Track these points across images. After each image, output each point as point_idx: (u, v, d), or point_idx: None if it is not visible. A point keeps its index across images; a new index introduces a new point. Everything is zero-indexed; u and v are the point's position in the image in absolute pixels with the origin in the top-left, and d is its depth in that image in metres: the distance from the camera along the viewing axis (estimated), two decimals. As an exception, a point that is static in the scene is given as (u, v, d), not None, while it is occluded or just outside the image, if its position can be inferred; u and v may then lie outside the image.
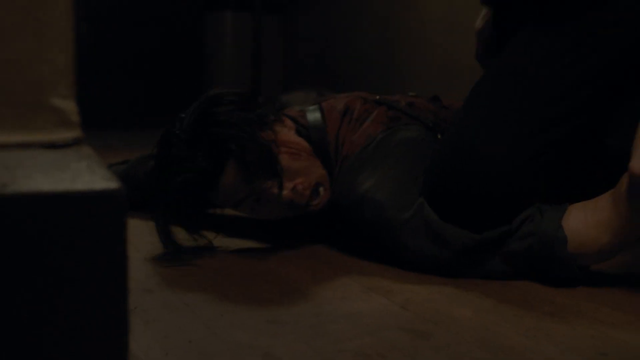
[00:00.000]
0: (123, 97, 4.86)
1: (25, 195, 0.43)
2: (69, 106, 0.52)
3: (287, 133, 1.28)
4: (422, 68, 3.10)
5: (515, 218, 1.09)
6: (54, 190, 0.44)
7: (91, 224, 0.45)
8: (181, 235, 1.24)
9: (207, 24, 4.82)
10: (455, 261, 1.10)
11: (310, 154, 1.28)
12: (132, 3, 4.89)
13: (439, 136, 1.30)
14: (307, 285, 1.09)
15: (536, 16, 1.19)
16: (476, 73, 1.32)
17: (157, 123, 1.72)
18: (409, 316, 0.95)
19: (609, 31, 1.12)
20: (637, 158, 0.95)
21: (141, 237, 1.33)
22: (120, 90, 4.87)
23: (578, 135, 1.13)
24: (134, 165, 1.59)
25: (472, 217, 1.10)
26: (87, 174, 0.47)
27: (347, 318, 0.94)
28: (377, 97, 1.39)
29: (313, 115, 1.36)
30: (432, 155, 1.18)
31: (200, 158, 1.18)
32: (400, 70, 3.27)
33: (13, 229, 0.43)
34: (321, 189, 1.27)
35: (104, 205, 0.45)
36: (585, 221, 1.05)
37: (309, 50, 4.39)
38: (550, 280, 1.08)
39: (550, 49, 1.14)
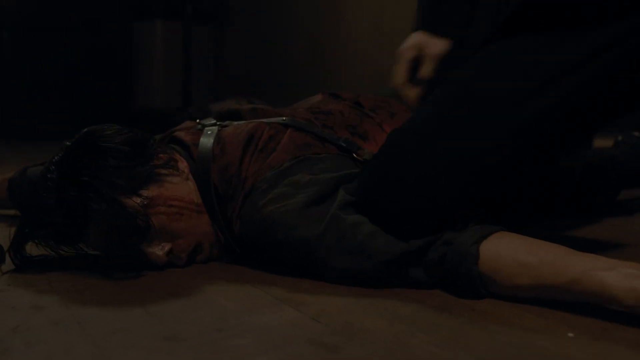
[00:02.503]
0: (50, 108, 4.68)
1: None
2: None
3: (172, 187, 1.15)
4: (350, 76, 3.06)
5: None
6: None
7: None
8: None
9: (136, 33, 4.70)
10: (379, 272, 1.03)
11: (195, 210, 1.17)
12: (58, 10, 4.73)
13: (355, 155, 1.22)
14: (214, 298, 1.02)
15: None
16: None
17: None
18: (320, 329, 0.88)
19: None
20: None
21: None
22: (47, 101, 4.70)
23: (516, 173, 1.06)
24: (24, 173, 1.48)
25: (403, 229, 1.03)
26: None
27: (252, 332, 0.87)
28: (293, 110, 1.33)
29: (205, 142, 1.22)
30: (360, 176, 1.10)
31: (62, 213, 1.07)
32: (327, 78, 3.23)
33: None
34: (205, 246, 1.20)
35: None
36: (515, 253, 0.95)
37: (238, 60, 4.32)
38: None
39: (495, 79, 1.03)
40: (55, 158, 1.12)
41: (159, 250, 1.13)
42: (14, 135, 4.30)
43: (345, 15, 3.22)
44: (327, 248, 1.04)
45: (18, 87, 4.61)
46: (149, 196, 1.11)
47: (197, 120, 1.34)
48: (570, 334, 0.85)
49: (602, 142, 1.84)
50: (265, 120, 1.26)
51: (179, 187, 1.16)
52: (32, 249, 1.16)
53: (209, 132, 1.26)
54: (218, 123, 1.29)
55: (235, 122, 1.29)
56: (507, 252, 0.96)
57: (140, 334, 0.85)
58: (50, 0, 4.70)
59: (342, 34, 3.26)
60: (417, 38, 1.31)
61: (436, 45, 1.30)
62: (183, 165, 1.20)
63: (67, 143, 1.14)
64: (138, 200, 1.10)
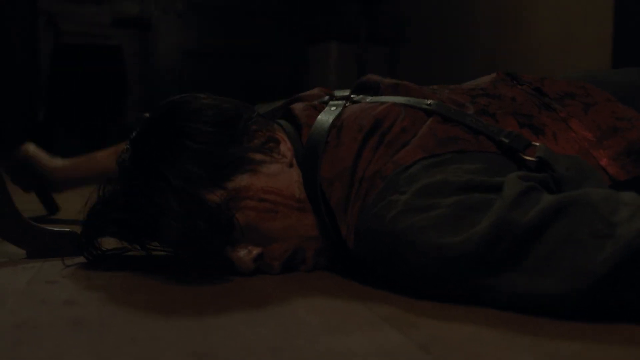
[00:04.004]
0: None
1: None
2: None
3: (267, 175, 0.89)
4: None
5: None
6: None
7: None
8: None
9: (312, 57, 4.65)
10: (588, 296, 0.68)
11: (295, 207, 0.90)
12: (236, 40, 4.81)
13: (522, 155, 0.85)
14: (291, 310, 0.75)
15: None
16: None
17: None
18: (425, 362, 0.58)
19: None
20: None
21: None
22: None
23: None
24: None
25: None
26: None
27: (333, 356, 0.58)
28: (448, 89, 0.99)
29: (321, 123, 0.93)
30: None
31: (127, 206, 0.86)
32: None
33: None
34: (308, 254, 0.92)
35: None
36: None
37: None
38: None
39: None
40: (133, 135, 0.92)
41: (245, 255, 0.87)
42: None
43: (527, 32, 2.87)
44: (494, 267, 0.72)
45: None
46: (235, 187, 0.86)
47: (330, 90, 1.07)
48: None
49: None
50: (402, 101, 0.92)
51: (277, 176, 0.90)
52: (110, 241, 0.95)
53: (332, 108, 0.96)
54: (351, 96, 1.00)
55: (369, 99, 0.97)
56: None
57: (164, 346, 0.61)
58: (231, 29, 4.79)
59: (523, 51, 2.92)
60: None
61: None
62: (286, 147, 0.93)
63: (147, 115, 0.93)
64: (220, 192, 0.85)
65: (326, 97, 1.03)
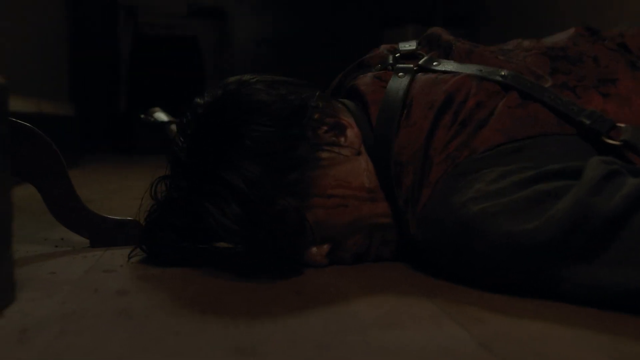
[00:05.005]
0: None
1: None
2: None
3: (335, 168, 0.83)
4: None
5: None
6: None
7: None
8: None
9: (386, 40, 4.58)
10: None
11: (366, 198, 0.84)
12: (311, 27, 4.79)
13: (605, 138, 0.77)
14: (346, 301, 0.71)
15: None
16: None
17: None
18: (484, 361, 0.53)
19: None
20: None
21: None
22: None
23: None
24: None
25: None
26: None
27: (372, 355, 0.54)
28: (524, 51, 0.90)
29: (391, 99, 0.85)
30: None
31: (182, 211, 0.82)
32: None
33: None
34: (375, 242, 0.87)
35: None
36: None
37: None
38: None
39: None
40: (185, 123, 0.85)
41: (316, 253, 0.83)
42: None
43: (618, 5, 2.72)
44: (571, 257, 0.66)
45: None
46: (302, 188, 0.79)
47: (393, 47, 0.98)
48: None
49: None
50: (475, 72, 0.84)
51: (345, 166, 0.84)
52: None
53: (400, 75, 0.88)
54: (418, 64, 0.90)
55: (441, 66, 0.88)
56: None
57: (206, 340, 0.58)
58: (305, 16, 4.77)
59: (613, 27, 2.76)
60: None
61: None
62: (353, 134, 0.86)
63: (199, 101, 0.85)
64: (286, 195, 0.78)
65: (390, 58, 0.94)
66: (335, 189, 0.82)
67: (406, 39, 1.00)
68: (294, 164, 0.79)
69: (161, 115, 1.48)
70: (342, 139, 0.85)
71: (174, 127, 1.32)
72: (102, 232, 1.01)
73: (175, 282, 0.79)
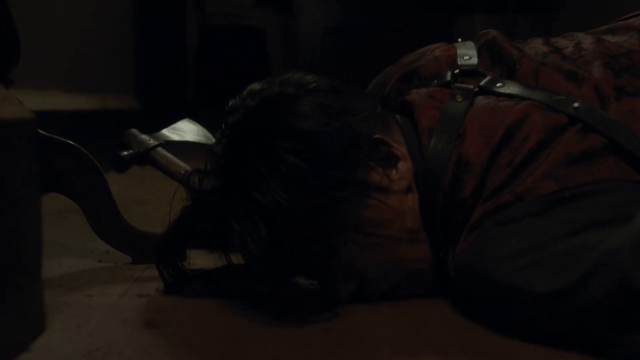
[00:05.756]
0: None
1: None
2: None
3: (378, 206, 0.76)
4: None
5: None
6: None
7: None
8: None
9: (455, 29, 4.47)
10: None
11: (405, 239, 0.77)
12: (379, 16, 4.72)
13: None
14: (371, 335, 0.67)
15: None
16: None
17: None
18: None
19: None
20: None
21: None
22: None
23: None
24: None
25: None
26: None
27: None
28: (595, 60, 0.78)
29: (445, 130, 0.77)
30: None
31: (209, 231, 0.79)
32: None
33: None
34: (405, 284, 0.81)
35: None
36: None
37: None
38: None
39: None
40: (224, 126, 0.80)
41: (342, 290, 0.78)
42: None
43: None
44: (617, 320, 0.60)
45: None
46: (338, 222, 0.74)
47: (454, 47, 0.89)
48: None
49: None
50: (543, 99, 0.75)
51: (391, 208, 0.76)
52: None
53: (458, 99, 0.79)
54: (479, 85, 0.80)
55: (504, 88, 0.79)
56: None
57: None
58: (373, 4, 4.70)
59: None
60: None
61: None
62: (405, 168, 0.78)
63: (230, 104, 0.80)
64: (320, 227, 0.73)
65: (449, 75, 0.85)
66: (374, 228, 0.76)
67: (476, 29, 0.93)
68: (330, 204, 0.73)
69: (141, 139, 1.15)
70: (393, 172, 0.78)
71: (160, 150, 1.13)
72: (143, 249, 1.00)
73: (204, 315, 0.77)
